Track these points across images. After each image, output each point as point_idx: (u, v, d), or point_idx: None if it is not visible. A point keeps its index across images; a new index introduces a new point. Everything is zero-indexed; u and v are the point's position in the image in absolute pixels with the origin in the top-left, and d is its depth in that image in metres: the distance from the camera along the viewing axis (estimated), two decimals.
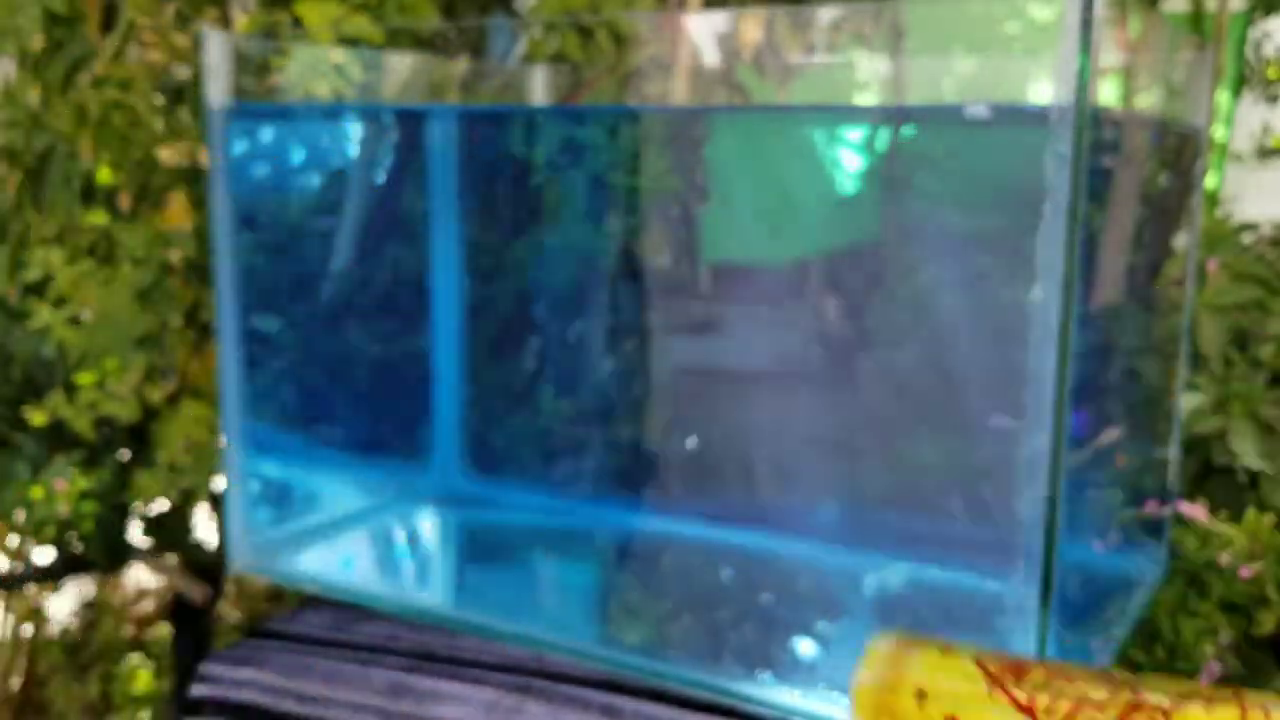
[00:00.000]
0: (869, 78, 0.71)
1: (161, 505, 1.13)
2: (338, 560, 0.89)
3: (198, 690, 0.77)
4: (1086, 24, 0.51)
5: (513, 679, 0.72)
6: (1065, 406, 0.54)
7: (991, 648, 0.64)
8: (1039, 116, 0.53)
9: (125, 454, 1.14)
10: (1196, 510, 0.92)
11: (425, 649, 0.77)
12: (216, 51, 0.77)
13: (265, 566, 0.84)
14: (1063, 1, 0.51)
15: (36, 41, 0.91)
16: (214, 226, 0.79)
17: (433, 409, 0.96)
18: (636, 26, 0.89)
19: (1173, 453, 0.84)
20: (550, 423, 0.93)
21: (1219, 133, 2.15)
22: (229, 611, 1.83)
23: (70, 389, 1.08)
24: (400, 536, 0.95)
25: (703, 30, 0.87)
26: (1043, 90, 0.55)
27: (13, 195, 1.06)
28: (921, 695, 0.50)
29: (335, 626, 0.82)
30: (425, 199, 0.94)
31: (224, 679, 0.77)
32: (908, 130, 0.75)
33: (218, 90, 0.78)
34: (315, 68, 0.82)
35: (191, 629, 1.24)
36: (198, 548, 1.18)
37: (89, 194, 1.04)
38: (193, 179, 0.89)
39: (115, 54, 0.87)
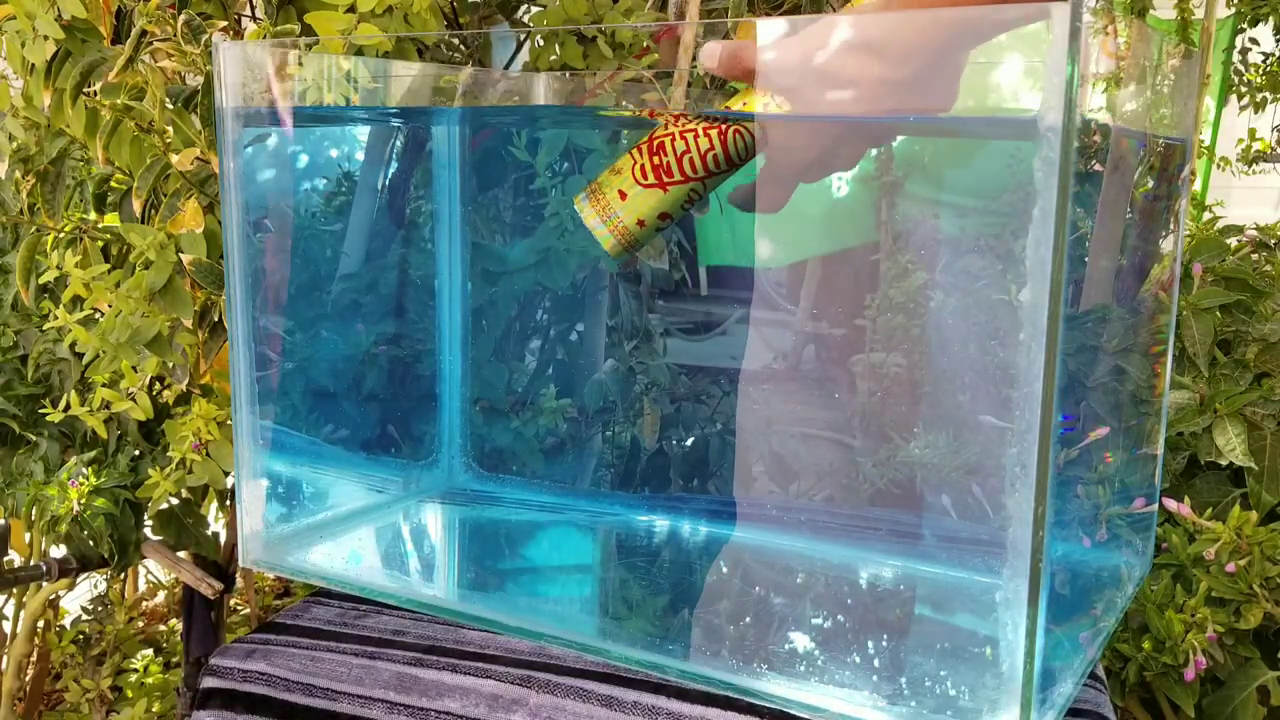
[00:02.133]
0: None
1: (173, 502, 1.15)
2: (345, 555, 0.91)
3: (208, 682, 0.79)
4: (1075, 34, 0.52)
5: (516, 671, 0.73)
6: (1053, 406, 0.55)
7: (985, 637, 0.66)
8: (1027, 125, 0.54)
9: (137, 452, 1.15)
10: (1182, 507, 0.94)
11: (431, 642, 0.79)
12: (227, 59, 0.78)
13: (275, 561, 0.86)
14: (1051, 11, 0.52)
15: (49, 49, 0.92)
16: (225, 228, 0.81)
17: (438, 407, 0.97)
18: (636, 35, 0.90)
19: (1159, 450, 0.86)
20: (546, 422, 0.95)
21: (1205, 139, 2.15)
22: (239, 605, 1.85)
23: (84, 388, 1.10)
24: (406, 531, 0.96)
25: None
26: (1032, 98, 0.56)
27: (27, 199, 1.08)
28: None
29: (342, 620, 0.83)
30: (429, 200, 0.95)
31: (234, 671, 0.78)
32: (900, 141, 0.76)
33: (228, 96, 0.79)
34: (324, 75, 0.83)
35: (202, 623, 1.26)
36: (208, 543, 1.20)
37: (102, 198, 1.06)
38: (204, 184, 0.90)
39: (127, 62, 0.88)
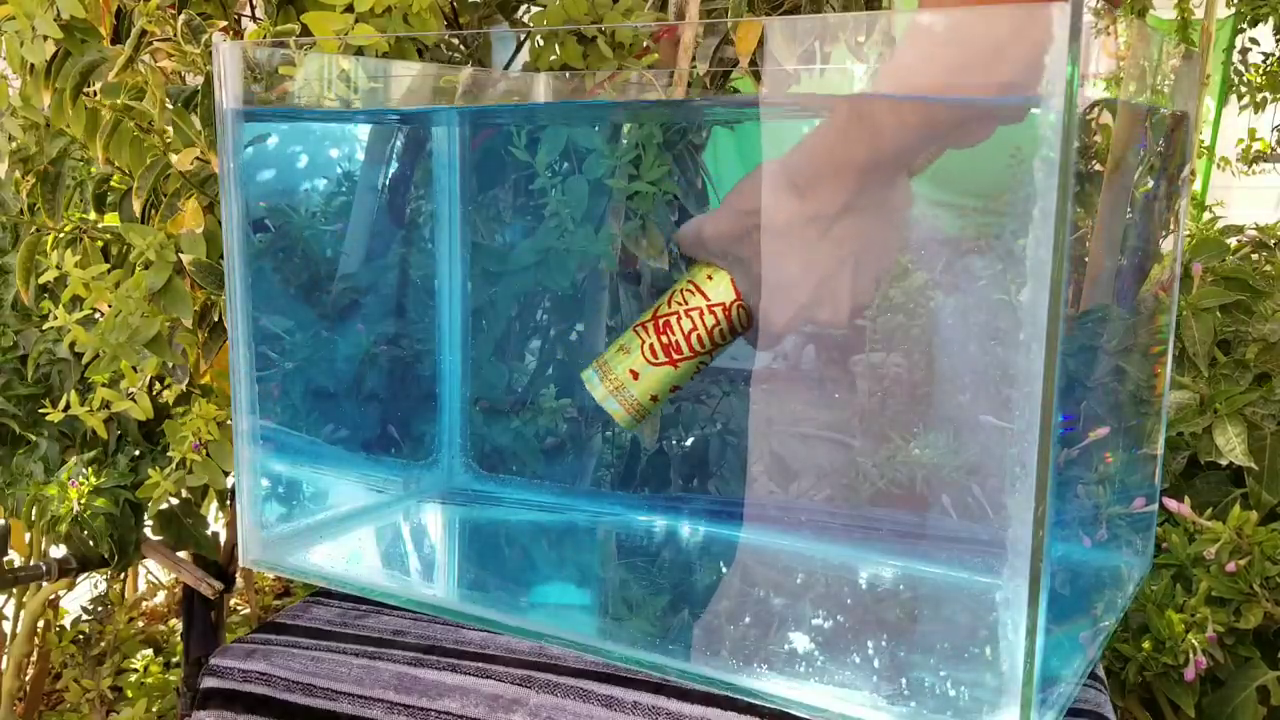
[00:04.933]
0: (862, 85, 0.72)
1: (172, 502, 1.15)
2: (346, 555, 0.91)
3: (208, 683, 0.79)
4: (1075, 34, 0.52)
5: (516, 671, 0.73)
6: (1053, 406, 0.55)
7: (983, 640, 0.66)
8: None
9: (137, 452, 1.15)
10: (1183, 507, 0.94)
11: (431, 642, 0.79)
12: (227, 59, 0.78)
13: (275, 561, 0.86)
14: (1052, 10, 0.52)
15: (48, 49, 0.92)
16: (225, 228, 0.81)
17: (438, 407, 0.97)
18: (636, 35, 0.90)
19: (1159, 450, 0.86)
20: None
21: (1205, 138, 2.15)
22: (239, 605, 1.85)
23: (84, 388, 1.10)
24: (406, 532, 0.96)
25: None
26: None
27: (27, 199, 1.08)
28: None
29: (343, 620, 0.83)
30: (429, 200, 0.95)
31: (233, 672, 0.78)
32: None
33: (228, 96, 0.79)
34: (322, 75, 0.83)
35: (202, 623, 1.26)
36: (208, 543, 1.20)
37: (102, 198, 1.06)
38: (204, 184, 0.90)
39: (127, 62, 0.88)
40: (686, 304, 0.72)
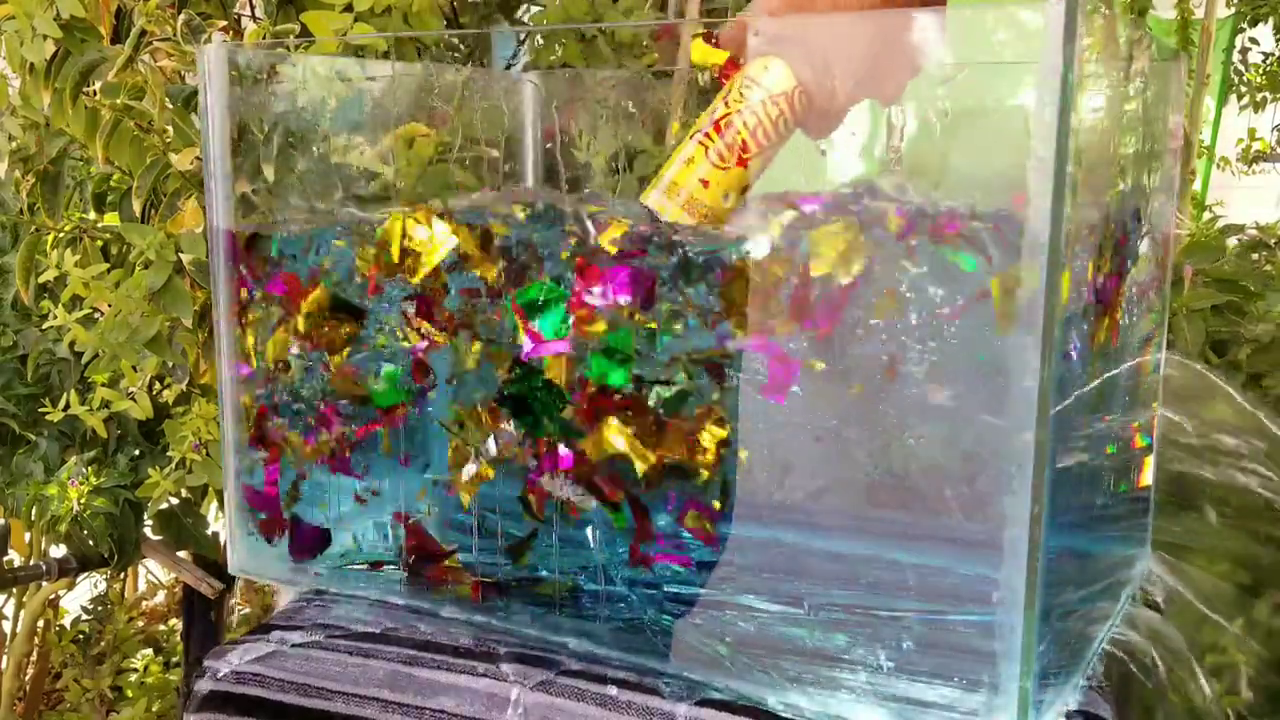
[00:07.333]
0: None
1: (172, 502, 1.15)
2: (336, 558, 0.90)
3: (200, 685, 0.78)
4: (1070, 34, 0.52)
5: (510, 669, 0.73)
6: (1050, 404, 0.55)
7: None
8: None
9: (137, 452, 1.16)
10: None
11: (425, 640, 0.78)
12: (215, 60, 0.77)
13: (261, 570, 0.85)
14: (1048, 10, 0.52)
15: (48, 49, 0.92)
16: (209, 227, 0.80)
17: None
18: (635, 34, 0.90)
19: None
20: None
21: (1205, 138, 2.15)
22: (240, 604, 1.85)
23: (84, 388, 1.10)
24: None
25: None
26: (1029, 96, 0.55)
27: (27, 199, 1.08)
28: None
29: (336, 620, 0.83)
30: None
31: (226, 673, 0.78)
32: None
33: (217, 98, 0.78)
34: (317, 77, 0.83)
35: (202, 622, 1.26)
36: (208, 543, 1.20)
37: (102, 198, 1.06)
38: (203, 183, 0.91)
39: (126, 62, 0.89)
40: (746, 100, 0.70)
